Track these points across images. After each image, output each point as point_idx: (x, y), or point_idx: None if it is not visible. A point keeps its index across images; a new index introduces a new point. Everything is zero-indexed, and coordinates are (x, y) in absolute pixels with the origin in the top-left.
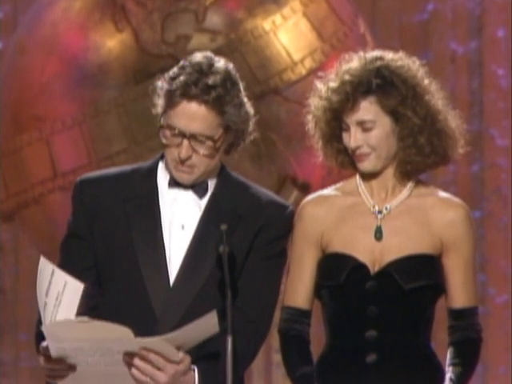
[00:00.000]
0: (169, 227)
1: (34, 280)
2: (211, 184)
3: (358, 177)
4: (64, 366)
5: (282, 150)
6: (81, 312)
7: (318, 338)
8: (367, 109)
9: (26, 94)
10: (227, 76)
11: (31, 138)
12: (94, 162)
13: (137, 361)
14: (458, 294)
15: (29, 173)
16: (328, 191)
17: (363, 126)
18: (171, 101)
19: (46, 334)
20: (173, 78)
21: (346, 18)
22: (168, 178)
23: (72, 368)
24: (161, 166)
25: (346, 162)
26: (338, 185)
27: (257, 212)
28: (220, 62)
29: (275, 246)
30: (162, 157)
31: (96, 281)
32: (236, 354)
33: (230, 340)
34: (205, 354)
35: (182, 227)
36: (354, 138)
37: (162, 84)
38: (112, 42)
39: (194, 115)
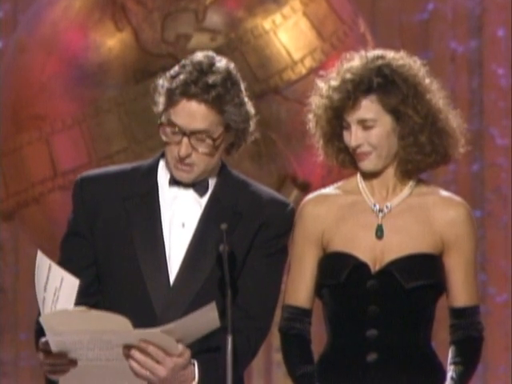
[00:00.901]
0: (169, 225)
1: (34, 278)
2: (212, 182)
3: (358, 176)
4: (65, 361)
5: (282, 150)
6: None
7: (318, 337)
8: (368, 107)
9: (26, 93)
10: (228, 75)
11: (31, 137)
12: (94, 161)
13: (136, 354)
14: (460, 292)
15: (29, 172)
16: (329, 190)
17: (364, 125)
18: (171, 99)
19: (44, 325)
20: (173, 77)
21: (346, 18)
22: (168, 176)
23: (73, 363)
24: (161, 164)
25: (346, 161)
26: (339, 184)
27: (257, 210)
28: (221, 62)
29: (276, 244)
30: (163, 155)
31: (96, 279)
32: (236, 352)
33: (230, 339)
34: (205, 349)
35: (183, 225)
36: (354, 137)
37: (163, 82)
38: (112, 42)
39: (193, 114)
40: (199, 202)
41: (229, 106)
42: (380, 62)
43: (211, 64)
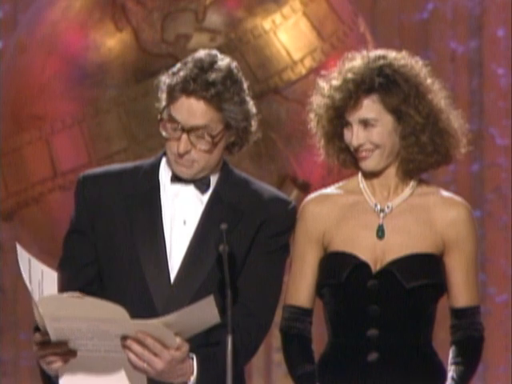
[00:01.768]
0: (170, 223)
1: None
2: (213, 180)
3: (359, 176)
4: (64, 349)
5: (282, 150)
6: None
7: (319, 337)
8: (370, 107)
9: (25, 93)
10: (228, 74)
11: (31, 137)
12: (94, 161)
13: (134, 346)
14: (460, 293)
15: (29, 172)
16: (330, 190)
17: (365, 124)
18: (172, 95)
19: (40, 310)
20: (174, 73)
21: (345, 18)
22: (170, 173)
23: (72, 353)
24: (163, 162)
25: (347, 161)
26: (340, 183)
27: (259, 207)
28: (223, 60)
29: (277, 241)
30: (165, 153)
31: (97, 276)
32: (236, 348)
33: (229, 339)
34: (205, 343)
35: (184, 223)
36: (356, 137)
37: (164, 79)
38: (112, 42)
39: (192, 110)
40: (201, 199)
41: (228, 104)
42: (382, 61)
43: (212, 62)
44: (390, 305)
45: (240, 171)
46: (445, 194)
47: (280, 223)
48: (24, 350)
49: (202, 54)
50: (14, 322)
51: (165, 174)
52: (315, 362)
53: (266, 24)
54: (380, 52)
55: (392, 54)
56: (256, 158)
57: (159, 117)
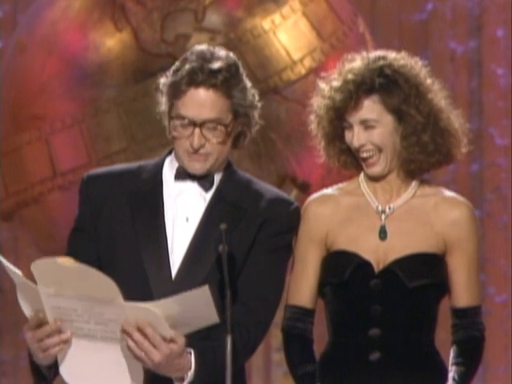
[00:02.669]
0: (172, 219)
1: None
2: (217, 178)
3: (361, 177)
4: (59, 329)
5: (282, 149)
6: None
7: (319, 337)
8: (370, 108)
9: (25, 93)
10: (230, 61)
11: (31, 137)
12: (94, 161)
13: (135, 334)
14: (462, 293)
15: (28, 172)
16: (331, 191)
17: (366, 125)
18: (178, 91)
19: (34, 275)
20: (177, 70)
21: (345, 18)
22: (174, 171)
23: (68, 336)
24: (167, 161)
25: (348, 163)
26: (340, 185)
27: (261, 206)
28: (221, 51)
29: (279, 241)
30: (169, 153)
31: None
32: (235, 345)
33: (229, 339)
34: (202, 337)
35: (187, 219)
36: (357, 137)
37: (164, 80)
38: (111, 42)
39: (203, 102)
40: (204, 197)
41: (236, 90)
42: (382, 62)
43: (213, 52)
44: (392, 304)
45: (244, 172)
46: (447, 193)
47: (282, 223)
48: (24, 350)
49: (199, 47)
50: (14, 322)
51: (168, 172)
52: (316, 362)
53: (266, 24)
54: (380, 53)
55: (392, 55)
56: (256, 157)
57: (166, 116)
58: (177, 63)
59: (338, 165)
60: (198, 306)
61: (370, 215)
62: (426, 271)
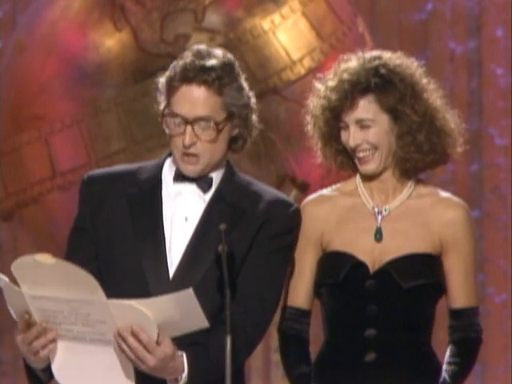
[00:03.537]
0: (171, 219)
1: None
2: (216, 179)
3: (357, 178)
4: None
5: (281, 150)
6: None
7: (315, 338)
8: (366, 107)
9: (25, 93)
10: (226, 61)
11: (30, 137)
12: (93, 161)
13: (130, 339)
14: (458, 293)
15: (28, 172)
16: (328, 191)
17: (362, 125)
18: (172, 87)
19: (16, 275)
20: (172, 68)
21: (344, 18)
22: (173, 172)
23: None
24: (167, 162)
25: (345, 163)
26: (338, 185)
27: (261, 207)
28: (219, 51)
29: (278, 242)
30: (170, 154)
31: (96, 273)
32: (233, 345)
33: (229, 339)
34: (191, 342)
35: (186, 219)
36: (352, 137)
37: (162, 79)
38: (111, 42)
39: (195, 99)
40: (203, 197)
41: (228, 88)
42: (377, 62)
43: (209, 51)
44: (387, 305)
45: (244, 174)
46: (442, 194)
47: (281, 224)
48: None
49: (197, 46)
50: (14, 322)
51: (168, 173)
52: (311, 364)
53: (265, 24)
54: (375, 52)
55: (387, 55)
56: (255, 158)
57: (161, 114)
58: (174, 62)
59: (335, 165)
60: (184, 308)
61: (366, 216)
62: (421, 272)
